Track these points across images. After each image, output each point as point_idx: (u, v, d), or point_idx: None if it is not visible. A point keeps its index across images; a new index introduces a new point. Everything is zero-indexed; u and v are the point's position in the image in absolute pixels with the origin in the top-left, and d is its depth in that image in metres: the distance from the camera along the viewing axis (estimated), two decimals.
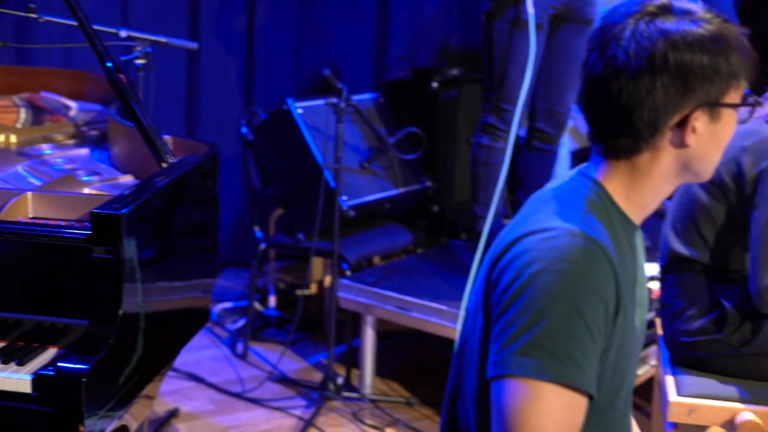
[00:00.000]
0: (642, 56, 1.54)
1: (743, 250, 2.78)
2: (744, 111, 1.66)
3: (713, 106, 1.58)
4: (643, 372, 3.47)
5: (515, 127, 3.58)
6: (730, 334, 2.81)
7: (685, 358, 2.91)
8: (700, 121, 1.58)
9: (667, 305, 2.95)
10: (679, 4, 1.59)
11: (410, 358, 4.44)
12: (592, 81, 1.61)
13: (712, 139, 1.61)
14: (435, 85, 4.63)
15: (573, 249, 1.51)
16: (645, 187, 1.65)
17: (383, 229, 4.50)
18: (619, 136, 1.60)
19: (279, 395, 3.98)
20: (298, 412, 3.85)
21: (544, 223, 1.57)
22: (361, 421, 3.81)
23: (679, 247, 2.88)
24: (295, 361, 4.29)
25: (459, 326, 3.50)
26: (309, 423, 3.72)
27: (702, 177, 1.67)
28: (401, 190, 4.47)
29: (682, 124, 1.58)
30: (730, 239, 2.80)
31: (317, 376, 4.09)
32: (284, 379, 4.11)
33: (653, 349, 3.52)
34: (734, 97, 1.60)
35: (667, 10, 1.58)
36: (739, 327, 2.80)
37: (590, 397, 1.52)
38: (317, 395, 3.90)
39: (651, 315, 3.45)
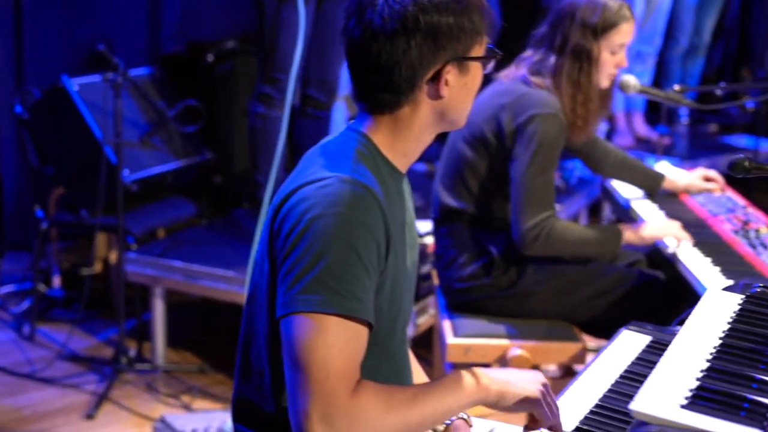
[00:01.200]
0: (396, 19, 1.70)
1: (505, 199, 3.02)
2: (488, 64, 1.83)
3: (462, 61, 1.76)
4: (423, 321, 3.68)
5: (290, 96, 3.70)
6: (498, 278, 3.05)
7: (460, 302, 3.13)
8: (451, 75, 1.76)
9: (441, 255, 3.17)
10: None
11: (201, 327, 4.51)
12: (353, 45, 1.75)
13: (462, 90, 1.79)
14: (211, 58, 4.68)
15: (345, 194, 1.66)
16: (407, 137, 1.81)
17: (167, 202, 4.53)
18: (382, 92, 1.76)
19: (70, 373, 3.98)
20: (91, 388, 3.86)
21: (319, 174, 1.71)
22: (156, 391, 3.87)
23: (449, 200, 3.09)
24: (85, 339, 4.28)
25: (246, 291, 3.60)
26: (103, 397, 3.74)
27: (457, 124, 1.84)
28: (182, 162, 4.51)
29: (436, 78, 1.75)
30: (493, 190, 3.04)
31: (109, 352, 4.11)
32: (75, 357, 4.10)
33: (431, 299, 3.73)
34: (479, 51, 1.78)
35: None
36: (505, 271, 3.05)
37: (370, 327, 1.67)
38: (110, 369, 3.92)
39: (428, 267, 3.67)
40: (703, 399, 1.47)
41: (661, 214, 3.35)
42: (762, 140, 6.07)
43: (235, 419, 1.90)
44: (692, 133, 6.46)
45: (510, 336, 3.02)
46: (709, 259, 2.92)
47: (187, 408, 3.75)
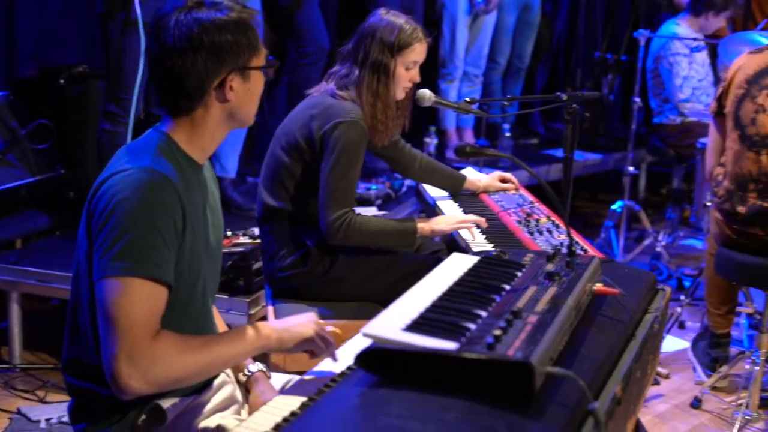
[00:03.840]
0: (184, 39, 2.12)
1: (317, 198, 3.45)
2: (270, 71, 2.27)
3: (243, 70, 2.20)
4: (256, 311, 4.09)
5: (133, 113, 4.09)
6: (314, 267, 3.49)
7: (282, 290, 3.56)
8: (234, 82, 2.19)
9: (265, 249, 3.59)
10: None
11: (57, 332, 4.80)
12: (153, 60, 2.18)
13: (246, 94, 2.23)
14: (62, 81, 5.00)
15: (146, 181, 2.07)
16: (203, 135, 2.24)
17: (23, 215, 4.82)
18: (178, 99, 2.18)
19: None
20: None
21: (125, 165, 2.12)
22: (13, 388, 4.17)
23: (270, 201, 3.51)
24: None
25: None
26: None
27: (245, 122, 2.28)
28: (37, 178, 4.82)
29: (222, 85, 2.18)
30: (307, 190, 3.46)
31: None
32: None
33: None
34: (257, 62, 2.22)
35: (201, 4, 2.17)
36: (320, 260, 3.49)
37: (169, 288, 2.08)
38: None
39: (261, 263, 4.08)
40: (420, 324, 1.91)
41: (460, 211, 3.84)
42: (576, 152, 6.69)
43: (66, 372, 2.28)
44: (518, 145, 7.09)
45: (324, 316, 3.43)
46: (492, 245, 3.42)
47: (42, 401, 4.06)
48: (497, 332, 1.84)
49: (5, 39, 5.45)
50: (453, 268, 2.32)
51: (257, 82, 2.25)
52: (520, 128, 7.58)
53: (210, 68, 2.15)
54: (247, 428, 2.01)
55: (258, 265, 4.06)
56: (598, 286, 2.31)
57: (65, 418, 3.87)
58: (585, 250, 3.21)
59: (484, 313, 2.00)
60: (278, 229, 3.51)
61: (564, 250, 2.42)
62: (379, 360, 1.85)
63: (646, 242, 6.38)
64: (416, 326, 1.92)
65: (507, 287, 2.18)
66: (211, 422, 2.30)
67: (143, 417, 2.23)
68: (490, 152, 2.46)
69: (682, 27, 6.32)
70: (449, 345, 1.83)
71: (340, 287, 3.50)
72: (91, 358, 2.20)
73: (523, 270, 2.31)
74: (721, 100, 4.17)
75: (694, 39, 6.23)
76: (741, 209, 3.98)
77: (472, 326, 1.92)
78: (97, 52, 5.43)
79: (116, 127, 4.29)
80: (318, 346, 2.29)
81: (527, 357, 1.75)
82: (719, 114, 4.20)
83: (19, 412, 3.94)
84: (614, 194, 6.31)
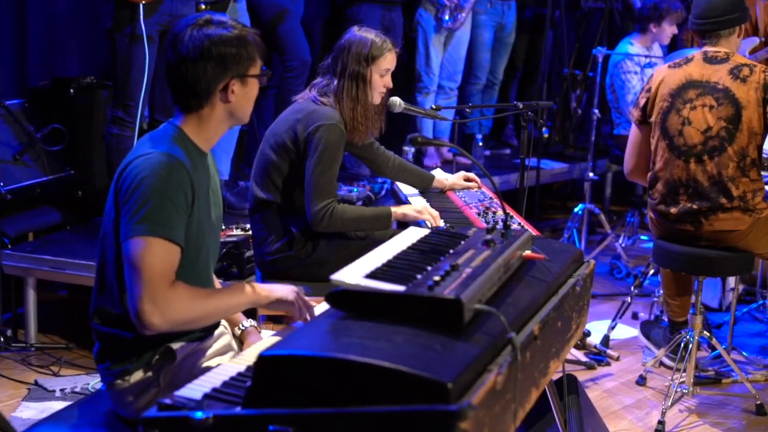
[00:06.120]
0: (197, 50, 2.63)
1: (302, 191, 3.96)
2: (263, 78, 2.79)
3: (242, 77, 2.71)
4: None
5: (139, 118, 4.62)
6: (298, 251, 4.00)
7: (271, 272, 4.07)
8: (236, 86, 2.70)
9: (255, 237, 4.10)
10: (216, 18, 2.70)
11: (66, 318, 5.32)
12: (170, 66, 2.69)
13: (244, 97, 2.74)
14: (72, 91, 5.52)
15: (163, 163, 2.58)
16: (208, 129, 2.75)
17: (37, 211, 5.33)
18: (189, 98, 2.70)
19: None
20: None
21: (147, 150, 2.63)
22: (30, 364, 4.67)
23: (260, 193, 4.03)
24: None
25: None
26: None
27: (242, 120, 2.79)
28: (50, 177, 5.31)
29: (225, 89, 2.70)
30: (292, 184, 3.98)
31: None
32: None
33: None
34: (254, 71, 2.74)
35: (210, 22, 2.69)
36: (304, 245, 4.01)
37: (181, 248, 2.59)
38: None
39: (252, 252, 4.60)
40: (377, 273, 2.42)
41: (427, 205, 4.37)
42: (544, 161, 7.24)
43: (94, 320, 2.78)
44: (492, 155, 7.66)
45: (307, 294, 3.93)
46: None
47: (56, 375, 4.55)
48: (437, 278, 2.35)
49: (17, 50, 5.91)
50: (409, 237, 2.84)
51: (253, 87, 2.77)
52: (494, 140, 8.15)
53: (216, 74, 2.67)
54: (241, 358, 2.54)
55: (249, 253, 4.58)
56: (528, 253, 2.83)
57: (78, 389, 4.37)
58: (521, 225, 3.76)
59: (429, 267, 2.52)
60: (267, 219, 4.03)
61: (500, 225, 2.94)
62: (345, 299, 2.35)
63: (606, 242, 6.91)
64: (374, 275, 2.43)
65: (451, 251, 2.70)
66: (212, 363, 2.80)
67: (156, 357, 2.74)
68: (437, 142, 2.99)
69: (635, 46, 6.89)
70: (399, 288, 2.34)
71: (322, 269, 4.00)
72: (116, 307, 2.69)
73: (466, 239, 2.84)
74: (645, 109, 4.66)
75: (647, 56, 6.79)
76: (673, 210, 4.52)
77: (419, 276, 2.43)
78: (97, 61, 5.91)
79: (123, 131, 4.80)
80: (294, 309, 2.82)
81: (458, 295, 2.26)
82: (642, 122, 4.69)
83: (36, 383, 4.43)
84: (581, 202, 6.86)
